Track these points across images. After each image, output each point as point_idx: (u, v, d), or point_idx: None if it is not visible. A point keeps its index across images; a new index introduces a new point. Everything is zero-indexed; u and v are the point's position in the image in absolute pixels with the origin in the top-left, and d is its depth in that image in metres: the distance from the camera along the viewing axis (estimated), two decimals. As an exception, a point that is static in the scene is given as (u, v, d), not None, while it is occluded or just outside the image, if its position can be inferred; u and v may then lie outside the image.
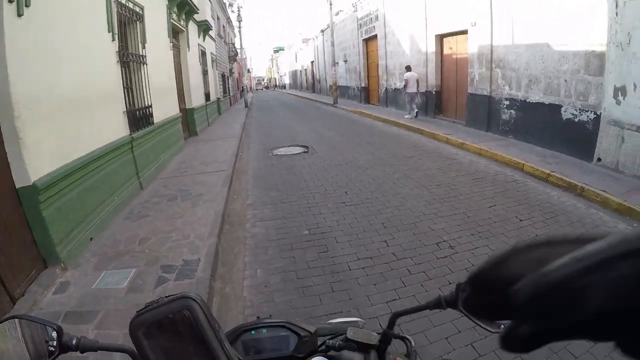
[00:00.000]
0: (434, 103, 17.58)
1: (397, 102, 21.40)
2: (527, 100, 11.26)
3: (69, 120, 6.10)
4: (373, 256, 5.34)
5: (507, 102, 12.23)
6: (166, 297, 0.93)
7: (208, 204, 7.54)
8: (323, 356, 1.18)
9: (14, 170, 4.90)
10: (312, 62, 50.93)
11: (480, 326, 0.99)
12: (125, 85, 8.66)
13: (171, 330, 0.88)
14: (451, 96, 16.51)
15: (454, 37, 15.56)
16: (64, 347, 1.05)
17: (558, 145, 10.08)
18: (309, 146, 13.54)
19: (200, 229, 6.31)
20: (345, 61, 31.90)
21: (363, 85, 28.33)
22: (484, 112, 13.37)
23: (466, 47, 14.40)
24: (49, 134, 5.51)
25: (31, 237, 5.11)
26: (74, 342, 1.06)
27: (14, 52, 4.80)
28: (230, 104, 37.86)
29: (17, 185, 4.93)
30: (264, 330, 1.30)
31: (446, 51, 16.62)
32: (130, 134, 8.54)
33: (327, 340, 1.24)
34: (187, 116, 16.20)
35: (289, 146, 13.85)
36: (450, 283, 4.61)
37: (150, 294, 4.65)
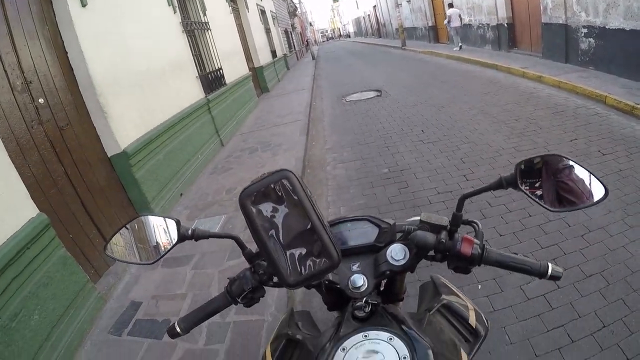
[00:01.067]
0: (506, 36, 16.56)
1: (467, 39, 20.53)
2: (607, 27, 10.28)
3: (147, 91, 6.49)
4: (453, 190, 5.41)
5: (584, 30, 11.25)
6: (266, 174, 1.09)
7: (288, 152, 7.77)
8: (402, 243, 1.29)
9: (105, 142, 5.37)
10: (374, 6, 49.71)
11: (536, 202, 1.17)
12: (193, 53, 8.99)
13: (273, 197, 1.04)
14: (524, 27, 15.49)
15: None
16: (182, 236, 1.30)
17: None
18: (381, 90, 13.42)
19: None
20: (409, 1, 31.00)
21: (430, 24, 27.37)
22: (560, 42, 12.43)
23: None
24: (131, 105, 5.93)
25: (127, 198, 5.62)
26: (189, 232, 1.31)
27: (86, 38, 5.19)
28: (297, 59, 37.87)
29: (109, 154, 5.40)
30: (348, 224, 1.45)
31: None
32: (205, 96, 8.94)
33: (404, 226, 1.37)
34: (256, 74, 16.44)
35: (361, 92, 13.80)
36: (530, 216, 4.63)
37: (241, 234, 4.89)
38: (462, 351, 1.23)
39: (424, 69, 17.15)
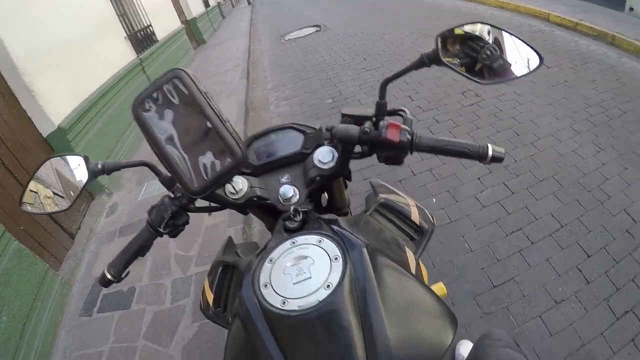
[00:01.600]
0: None
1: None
2: None
3: (74, 60, 6.12)
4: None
5: None
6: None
7: (229, 98, 7.61)
8: (329, 145, 1.21)
9: (37, 122, 5.08)
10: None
11: (463, 75, 1.08)
12: (118, 12, 8.49)
13: (167, 100, 0.95)
14: None
15: None
16: (92, 172, 1.20)
17: None
18: (320, 24, 13.20)
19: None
20: None
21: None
22: None
23: None
24: (59, 78, 5.58)
25: None
26: (99, 166, 1.21)
27: None
28: (233, 6, 36.77)
29: (45, 135, 5.11)
30: (272, 135, 1.36)
31: None
32: (137, 56, 8.53)
33: (326, 126, 1.28)
34: (190, 27, 15.85)
35: (299, 29, 13.55)
36: (478, 128, 4.70)
37: None
38: (407, 249, 1.18)
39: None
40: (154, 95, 0.95)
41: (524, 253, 3.07)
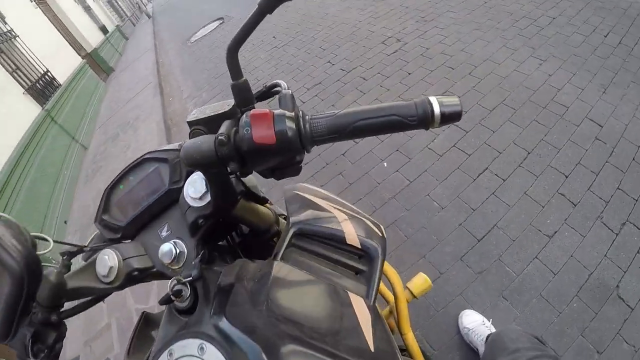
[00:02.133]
0: None
1: None
2: None
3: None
4: (322, 80, 5.16)
5: None
6: None
7: (147, 120, 7.26)
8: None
9: None
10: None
11: None
12: (10, 69, 7.88)
13: None
14: None
15: None
16: None
17: None
18: (222, 17, 12.87)
19: (149, 145, 6.06)
20: None
21: None
22: None
23: None
24: None
25: None
26: None
27: None
28: (134, 24, 36.17)
29: None
30: (130, 178, 0.94)
31: None
32: (43, 108, 8.02)
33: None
34: (93, 59, 15.26)
35: (203, 27, 13.18)
36: (409, 73, 4.48)
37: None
38: (352, 297, 0.80)
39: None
40: None
41: (498, 193, 2.85)
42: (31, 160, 6.41)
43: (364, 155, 3.71)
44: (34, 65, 8.91)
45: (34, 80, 8.53)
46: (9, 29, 8.92)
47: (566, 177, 2.78)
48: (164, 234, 0.85)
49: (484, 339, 2.04)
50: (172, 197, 0.87)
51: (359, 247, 0.90)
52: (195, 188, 0.80)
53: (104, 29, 20.28)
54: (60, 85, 9.59)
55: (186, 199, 0.81)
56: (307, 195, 1.05)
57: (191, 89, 7.88)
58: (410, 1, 6.27)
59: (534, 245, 2.51)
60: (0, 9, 9.15)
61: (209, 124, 0.78)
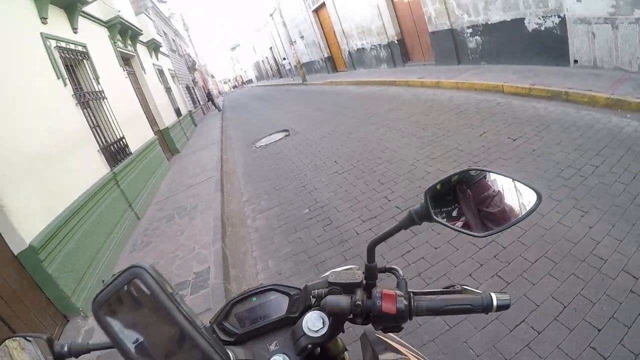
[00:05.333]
0: (399, 52, 17.30)
1: (363, 62, 21.18)
2: (489, 22, 11.05)
3: (45, 173, 6.05)
4: (377, 214, 5.31)
5: (470, 30, 12.01)
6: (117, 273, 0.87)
7: (205, 213, 7.50)
8: (318, 310, 1.12)
9: (8, 239, 4.91)
10: (270, 48, 50.65)
11: (458, 231, 1.03)
12: (91, 125, 8.54)
13: (129, 302, 0.82)
14: (414, 40, 16.25)
15: None
16: (57, 356, 1.12)
17: (532, 58, 9.91)
18: (289, 129, 13.47)
19: (203, 238, 6.28)
20: (302, 37, 31.57)
21: (326, 55, 28.09)
22: (450, 46, 13.16)
23: None
24: (30, 193, 5.48)
25: (44, 297, 5.11)
26: (65, 348, 1.14)
27: None
28: (204, 113, 37.64)
29: (16, 252, 4.92)
30: (254, 299, 1.25)
31: None
32: (111, 170, 8.47)
33: (316, 290, 1.18)
34: (163, 137, 16.13)
35: (269, 135, 13.80)
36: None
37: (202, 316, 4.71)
38: None
39: (327, 100, 17.46)
40: (114, 296, 0.83)
41: (532, 346, 2.91)
42: (89, 214, 6.72)
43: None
44: (112, 129, 9.52)
45: (110, 143, 9.09)
46: (101, 89, 9.65)
47: (599, 330, 2.84)
48: (272, 347, 1.13)
49: None
50: (284, 322, 1.18)
51: None
52: (314, 323, 1.08)
53: (178, 112, 21.16)
54: (130, 153, 10.11)
55: (303, 328, 1.08)
56: (388, 340, 1.34)
57: (251, 194, 8.22)
58: (465, 145, 6.58)
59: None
60: (98, 69, 9.88)
61: (344, 286, 1.12)
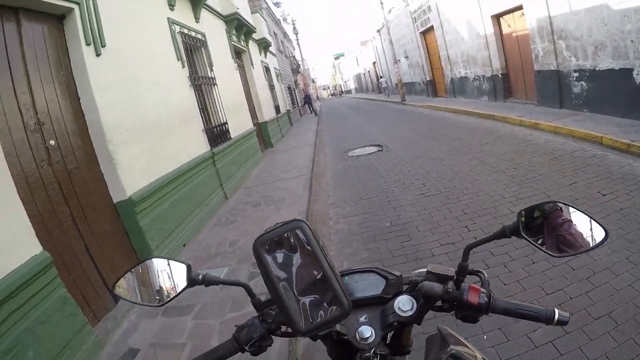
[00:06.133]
0: (502, 86, 16.92)
1: (464, 91, 20.93)
2: (597, 69, 10.60)
3: (155, 140, 6.67)
4: (455, 241, 5.38)
5: (576, 75, 11.56)
6: (280, 223, 1.12)
7: (291, 207, 7.79)
8: (409, 295, 1.32)
9: (111, 188, 5.50)
10: (373, 63, 50.61)
11: (539, 248, 1.24)
12: (200, 106, 9.25)
13: (286, 246, 1.07)
14: (518, 76, 15.85)
15: (510, 14, 14.95)
16: (192, 281, 1.34)
17: (636, 112, 9.46)
18: (382, 144, 13.57)
19: None
20: (407, 57, 31.42)
21: (428, 78, 27.82)
22: (554, 88, 12.71)
23: (524, 23, 13.76)
24: (138, 154, 6.07)
25: (130, 245, 5.67)
26: (200, 277, 1.34)
27: (98, 86, 5.42)
28: (300, 115, 38.21)
29: (115, 200, 5.51)
30: (355, 276, 1.49)
31: (505, 30, 15.97)
32: (210, 149, 9.12)
33: (411, 278, 1.41)
34: (260, 130, 16.76)
35: (362, 147, 13.97)
36: (533, 263, 4.60)
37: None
38: None
39: (423, 122, 17.38)
40: (277, 239, 1.08)
41: None
42: (184, 184, 7.31)
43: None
44: (218, 113, 10.20)
45: (214, 125, 9.75)
46: (213, 76, 10.39)
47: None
48: (361, 319, 1.32)
49: None
50: (377, 301, 1.40)
51: None
52: (404, 304, 1.29)
53: (277, 109, 21.70)
54: (230, 138, 10.77)
55: (394, 307, 1.30)
56: (457, 335, 1.49)
57: (337, 198, 8.45)
58: (553, 191, 6.46)
59: None
60: (212, 58, 10.69)
61: (438, 276, 1.31)
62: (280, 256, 1.07)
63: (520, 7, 13.71)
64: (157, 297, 1.39)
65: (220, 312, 4.50)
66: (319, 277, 1.05)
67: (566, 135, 9.77)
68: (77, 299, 4.14)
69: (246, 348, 1.25)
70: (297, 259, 1.07)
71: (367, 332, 1.24)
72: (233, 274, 5.40)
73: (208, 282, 1.34)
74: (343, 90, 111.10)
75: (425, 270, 1.37)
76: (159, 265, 1.41)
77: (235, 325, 1.31)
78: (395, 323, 1.27)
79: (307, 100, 38.91)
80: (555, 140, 9.57)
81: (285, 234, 1.08)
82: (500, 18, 15.97)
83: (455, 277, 1.30)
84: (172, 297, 1.36)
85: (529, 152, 9.04)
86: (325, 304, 1.04)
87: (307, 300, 1.04)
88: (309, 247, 1.06)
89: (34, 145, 4.32)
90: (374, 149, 13.19)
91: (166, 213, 6.42)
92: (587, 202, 5.84)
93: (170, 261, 1.40)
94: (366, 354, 1.19)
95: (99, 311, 4.68)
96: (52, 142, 4.60)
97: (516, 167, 8.04)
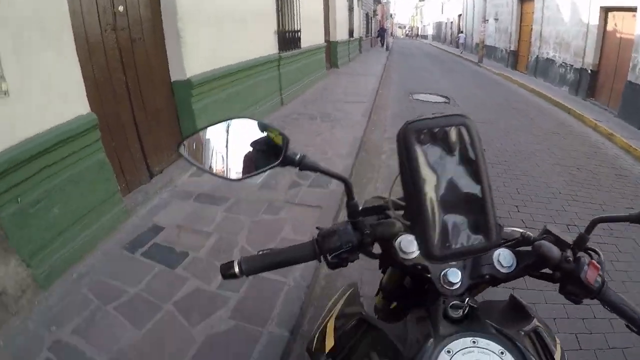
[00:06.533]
0: (587, 82, 15.77)
1: (546, 74, 19.87)
2: None
3: (226, 30, 6.51)
4: (502, 217, 5.16)
5: None
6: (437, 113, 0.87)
7: (347, 129, 7.69)
8: (511, 250, 1.12)
9: (172, 65, 5.38)
10: (459, 15, 48.66)
11: None
12: (277, 8, 9.04)
13: (445, 143, 0.82)
14: (607, 79, 14.64)
15: (621, 12, 13.59)
16: (287, 159, 1.06)
17: None
18: (450, 98, 13.17)
19: (338, 148, 6.53)
20: (496, 19, 30.04)
21: (512, 48, 26.53)
22: None
23: (632, 27, 12.54)
24: (207, 38, 5.91)
25: (178, 126, 5.63)
26: (297, 157, 1.07)
27: None
28: (372, 45, 37.76)
29: (173, 79, 5.40)
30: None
31: (609, 28, 14.63)
32: (278, 53, 8.95)
33: (516, 233, 1.19)
34: (330, 48, 16.51)
35: (429, 94, 13.61)
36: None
37: (283, 193, 4.93)
38: None
39: (497, 90, 16.75)
40: (435, 130, 0.82)
41: None
42: (245, 79, 7.25)
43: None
44: (293, 20, 10.17)
45: (287, 30, 9.63)
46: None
47: None
48: (452, 262, 1.09)
49: None
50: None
51: None
52: (505, 259, 1.08)
53: (351, 33, 21.56)
54: (300, 47, 10.61)
55: (493, 259, 1.09)
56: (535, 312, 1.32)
57: (393, 133, 8.14)
58: (609, 207, 6.05)
59: None
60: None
61: (556, 240, 1.11)
62: (433, 153, 0.82)
63: (634, 9, 12.51)
64: (233, 168, 1.10)
65: (253, 212, 4.47)
66: (474, 193, 0.82)
67: (637, 158, 9.17)
68: (114, 166, 4.15)
69: (329, 257, 1.07)
70: (453, 163, 0.82)
71: (456, 277, 1.05)
72: (275, 178, 5.32)
73: (305, 166, 1.08)
74: (419, 33, 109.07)
75: (519, 230, 1.19)
76: (244, 127, 1.11)
77: (317, 228, 1.11)
78: (488, 276, 1.08)
79: (381, 33, 38.30)
80: (625, 159, 9.01)
81: (447, 128, 0.82)
82: (609, 12, 14.63)
83: (572, 245, 1.10)
84: (255, 172, 1.09)
85: (596, 159, 8.58)
86: (469, 229, 0.83)
87: (450, 219, 0.82)
88: (472, 153, 0.82)
89: (102, 8, 4.19)
90: (441, 100, 12.88)
91: (220, 103, 6.33)
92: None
93: (267, 126, 1.11)
94: (454, 302, 0.97)
95: (133, 182, 4.70)
96: (120, 8, 4.47)
97: (579, 169, 7.65)
